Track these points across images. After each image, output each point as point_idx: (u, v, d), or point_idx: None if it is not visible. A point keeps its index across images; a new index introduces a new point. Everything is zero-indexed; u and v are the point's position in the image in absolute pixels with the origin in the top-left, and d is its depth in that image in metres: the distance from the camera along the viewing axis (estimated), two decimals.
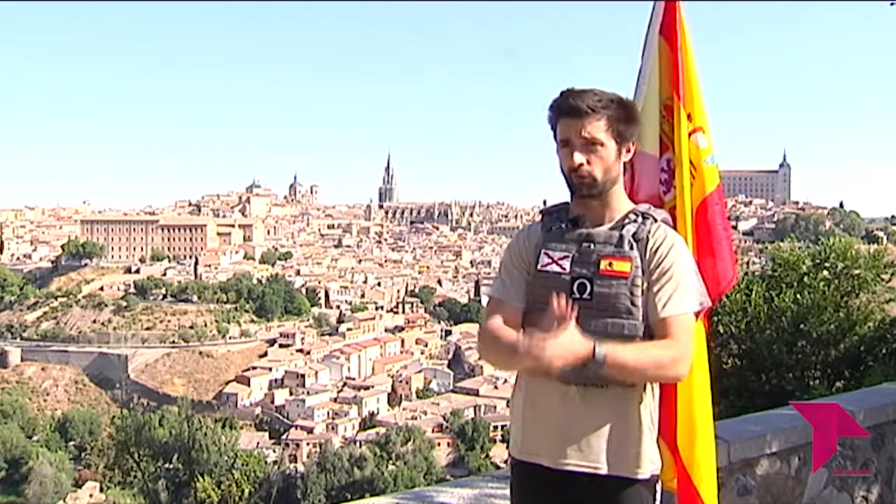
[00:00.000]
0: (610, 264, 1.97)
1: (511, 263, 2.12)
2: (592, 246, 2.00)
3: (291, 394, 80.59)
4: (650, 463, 2.01)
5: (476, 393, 75.86)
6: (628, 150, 2.07)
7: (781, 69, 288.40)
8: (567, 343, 1.80)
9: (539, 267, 2.03)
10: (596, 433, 1.96)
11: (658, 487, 2.06)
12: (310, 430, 70.74)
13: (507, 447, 2.18)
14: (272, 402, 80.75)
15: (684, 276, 2.00)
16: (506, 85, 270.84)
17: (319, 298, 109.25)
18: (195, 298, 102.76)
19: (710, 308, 2.48)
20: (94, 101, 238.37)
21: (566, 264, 2.00)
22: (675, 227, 2.30)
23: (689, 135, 2.41)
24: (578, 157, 1.99)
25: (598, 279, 1.96)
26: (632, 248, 1.98)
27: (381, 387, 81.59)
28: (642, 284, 1.96)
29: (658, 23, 2.54)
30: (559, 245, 2.03)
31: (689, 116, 2.42)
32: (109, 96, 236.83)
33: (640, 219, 2.03)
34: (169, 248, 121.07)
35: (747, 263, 13.59)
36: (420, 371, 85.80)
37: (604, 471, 1.97)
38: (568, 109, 2.00)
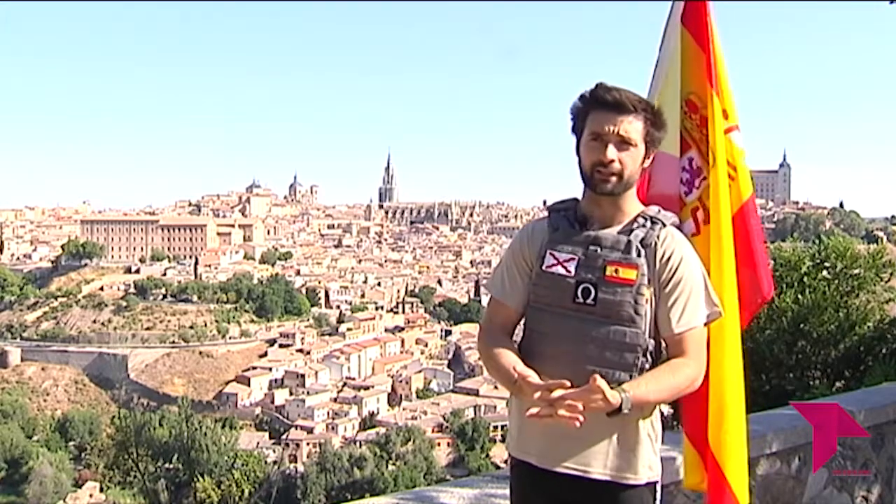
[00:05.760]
0: (616, 271, 1.92)
1: (513, 262, 2.08)
2: (599, 250, 1.95)
3: (291, 394, 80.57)
4: (648, 470, 1.98)
5: (476, 393, 75.77)
6: (649, 157, 2.03)
7: (781, 69, 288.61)
8: (591, 402, 1.77)
9: (543, 267, 1.99)
10: (588, 435, 1.92)
11: (658, 494, 2.02)
12: (310, 430, 70.69)
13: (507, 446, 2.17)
14: (272, 402, 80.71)
15: (695, 287, 1.97)
16: (506, 85, 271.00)
17: (319, 298, 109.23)
18: (195, 298, 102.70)
19: (751, 314, 2.47)
20: (94, 100, 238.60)
21: (571, 267, 1.95)
22: (696, 231, 2.28)
23: (725, 132, 2.31)
24: (612, 153, 1.93)
25: (602, 285, 1.92)
26: (639, 254, 1.93)
27: (381, 387, 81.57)
28: (648, 293, 1.93)
29: (679, 15, 2.43)
30: (565, 246, 1.98)
31: (724, 113, 2.32)
32: (109, 96, 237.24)
33: (648, 223, 1.98)
34: (169, 248, 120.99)
35: None
36: (420, 371, 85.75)
37: (594, 474, 1.94)
38: (610, 103, 1.94)
